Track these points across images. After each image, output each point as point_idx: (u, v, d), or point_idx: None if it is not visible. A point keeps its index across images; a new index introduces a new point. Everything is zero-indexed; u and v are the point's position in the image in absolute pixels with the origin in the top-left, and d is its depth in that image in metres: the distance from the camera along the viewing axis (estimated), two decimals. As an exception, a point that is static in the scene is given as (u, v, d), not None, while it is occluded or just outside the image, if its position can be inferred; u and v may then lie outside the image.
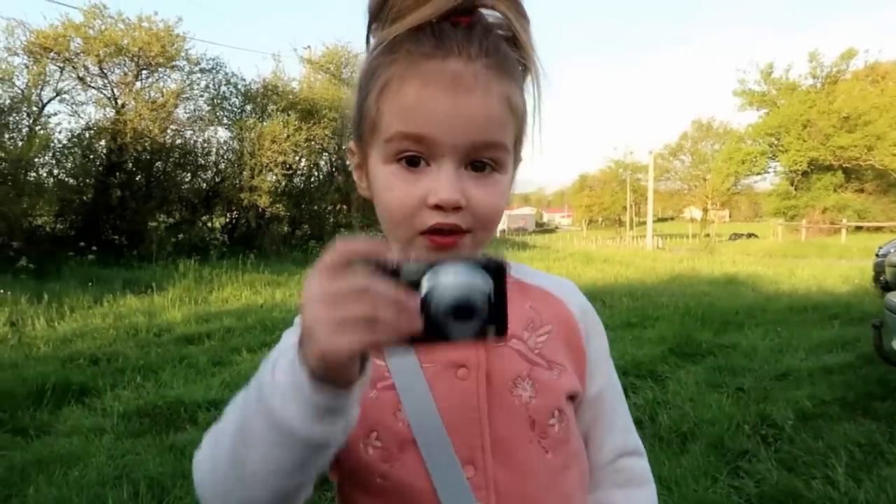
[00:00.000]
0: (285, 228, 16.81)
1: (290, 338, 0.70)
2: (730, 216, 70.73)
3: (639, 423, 3.76)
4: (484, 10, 0.68)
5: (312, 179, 18.64)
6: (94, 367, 5.20)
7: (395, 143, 0.66)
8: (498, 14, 0.68)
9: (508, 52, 0.68)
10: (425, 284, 0.50)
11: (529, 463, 0.71)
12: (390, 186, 0.67)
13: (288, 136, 15.04)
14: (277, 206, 15.02)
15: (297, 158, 16.16)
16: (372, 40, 0.71)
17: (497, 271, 0.51)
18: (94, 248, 11.21)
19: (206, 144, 15.79)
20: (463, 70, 0.64)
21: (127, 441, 3.59)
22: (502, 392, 0.71)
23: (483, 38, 0.66)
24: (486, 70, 0.65)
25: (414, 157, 0.66)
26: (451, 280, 0.50)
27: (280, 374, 0.52)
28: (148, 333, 6.53)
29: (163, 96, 14.25)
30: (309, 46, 19.78)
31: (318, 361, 0.50)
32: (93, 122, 13.98)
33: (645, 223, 31.57)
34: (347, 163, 0.73)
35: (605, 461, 0.81)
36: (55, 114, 13.46)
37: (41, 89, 12.87)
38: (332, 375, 0.50)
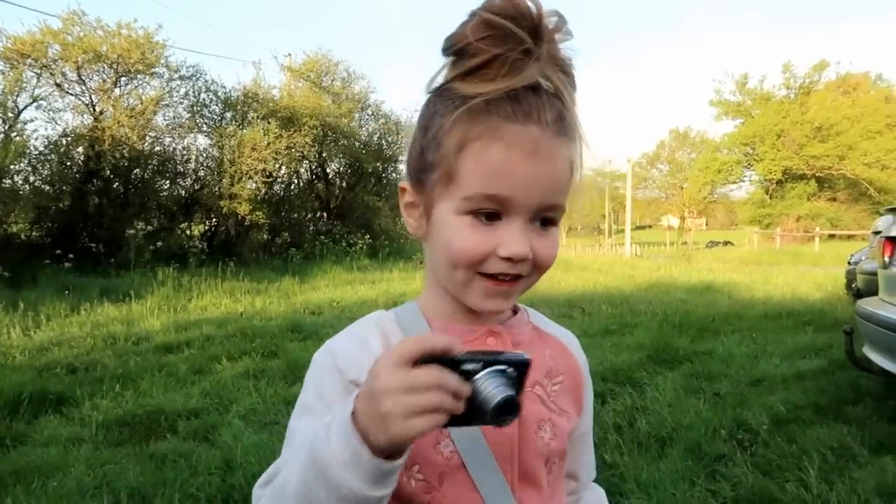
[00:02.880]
0: (265, 236, 16.71)
1: (323, 358, 0.80)
2: (706, 224, 71.61)
3: (618, 429, 3.82)
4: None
5: (292, 187, 18.56)
6: (72, 376, 5.14)
7: (475, 201, 0.71)
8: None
9: (570, 117, 0.74)
10: (478, 383, 0.59)
11: (543, 497, 0.80)
12: (462, 235, 0.72)
13: (268, 144, 14.97)
14: (257, 213, 14.92)
15: (277, 166, 16.09)
16: (439, 79, 0.75)
17: (523, 369, 0.61)
18: (70, 256, 11.05)
19: (185, 152, 15.62)
20: (541, 136, 0.70)
21: (106, 451, 3.56)
22: (530, 433, 0.80)
23: (551, 105, 0.71)
24: (556, 137, 0.71)
25: (492, 213, 0.71)
26: (497, 384, 0.59)
27: (337, 446, 0.60)
28: (126, 342, 6.47)
29: (142, 103, 14.10)
30: (289, 54, 19.73)
31: (389, 443, 0.58)
32: (70, 128, 13.79)
33: (623, 231, 31.82)
34: (400, 200, 0.82)
35: (584, 484, 0.97)
36: (32, 120, 13.22)
37: (17, 96, 12.68)
38: (395, 451, 0.60)
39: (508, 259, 0.71)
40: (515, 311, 0.89)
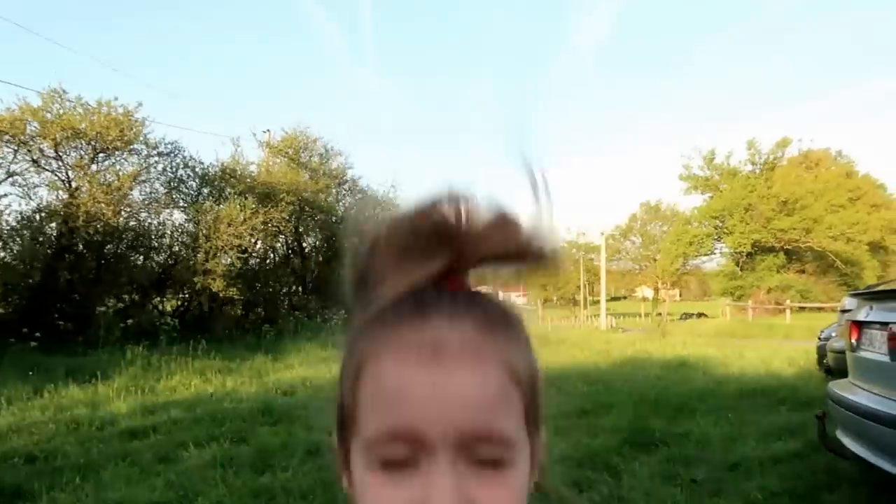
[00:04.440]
0: (238, 311, 16.53)
1: None
2: (680, 295, 72.42)
3: (595, 521, 3.75)
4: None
5: (268, 261, 18.53)
6: (30, 467, 4.94)
7: (378, 447, 0.49)
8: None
9: (502, 306, 0.54)
10: None
11: None
12: (371, 498, 0.50)
13: (244, 220, 15.04)
14: (231, 289, 14.82)
15: (252, 241, 16.11)
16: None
17: None
18: (37, 334, 10.81)
19: (160, 227, 15.67)
20: (446, 335, 0.48)
21: (62, 553, 3.40)
22: None
23: (472, 295, 0.52)
24: (476, 332, 0.49)
25: (397, 460, 0.49)
26: None
27: None
28: (90, 427, 6.26)
29: (118, 179, 14.18)
30: (268, 130, 20.04)
31: None
32: (44, 204, 13.77)
33: (599, 301, 32.07)
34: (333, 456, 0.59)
35: None
36: (5, 195, 13.15)
37: (-8, 171, 12.70)
38: None
39: None
40: None
